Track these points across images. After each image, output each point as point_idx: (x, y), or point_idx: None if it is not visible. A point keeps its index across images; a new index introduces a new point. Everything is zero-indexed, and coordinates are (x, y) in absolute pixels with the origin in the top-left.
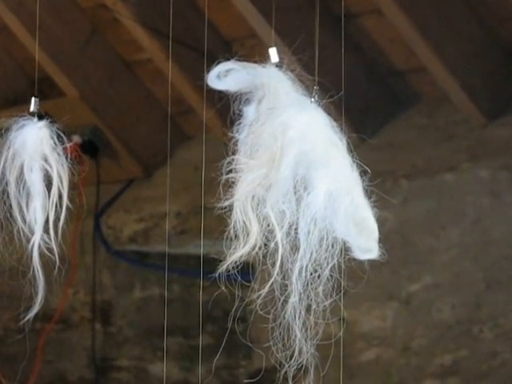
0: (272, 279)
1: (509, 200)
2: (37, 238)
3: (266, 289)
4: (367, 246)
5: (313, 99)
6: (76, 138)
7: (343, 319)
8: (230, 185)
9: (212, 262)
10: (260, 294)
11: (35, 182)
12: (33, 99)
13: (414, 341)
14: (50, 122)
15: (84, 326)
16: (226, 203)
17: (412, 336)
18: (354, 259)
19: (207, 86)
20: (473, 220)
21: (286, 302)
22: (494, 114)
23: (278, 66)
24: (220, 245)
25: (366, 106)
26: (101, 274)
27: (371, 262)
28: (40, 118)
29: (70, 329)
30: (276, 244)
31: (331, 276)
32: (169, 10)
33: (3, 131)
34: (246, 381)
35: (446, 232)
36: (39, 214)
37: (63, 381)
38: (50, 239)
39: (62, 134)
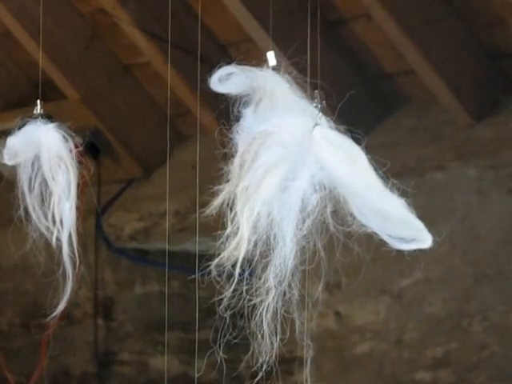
0: (235, 277)
1: (495, 197)
2: (65, 239)
3: (232, 287)
4: (410, 236)
5: (315, 103)
6: (78, 140)
7: (310, 314)
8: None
9: (210, 259)
10: (261, 288)
11: (60, 183)
12: (38, 102)
13: (406, 334)
14: (58, 124)
15: (87, 322)
16: (208, 207)
17: (404, 329)
18: (347, 256)
19: (206, 88)
20: (461, 217)
21: (281, 297)
22: (480, 114)
23: (276, 69)
24: (214, 242)
25: (356, 107)
26: (103, 270)
27: (363, 258)
28: (48, 120)
29: (73, 324)
30: (256, 244)
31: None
32: (166, 16)
33: (12, 132)
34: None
35: (436, 229)
36: (68, 214)
37: (67, 375)
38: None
39: (69, 137)
